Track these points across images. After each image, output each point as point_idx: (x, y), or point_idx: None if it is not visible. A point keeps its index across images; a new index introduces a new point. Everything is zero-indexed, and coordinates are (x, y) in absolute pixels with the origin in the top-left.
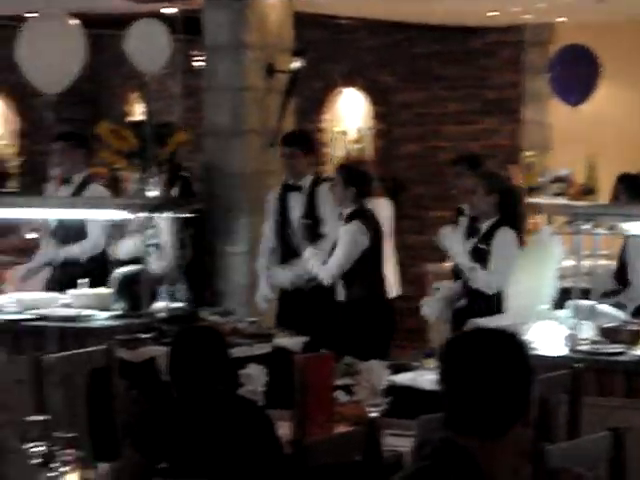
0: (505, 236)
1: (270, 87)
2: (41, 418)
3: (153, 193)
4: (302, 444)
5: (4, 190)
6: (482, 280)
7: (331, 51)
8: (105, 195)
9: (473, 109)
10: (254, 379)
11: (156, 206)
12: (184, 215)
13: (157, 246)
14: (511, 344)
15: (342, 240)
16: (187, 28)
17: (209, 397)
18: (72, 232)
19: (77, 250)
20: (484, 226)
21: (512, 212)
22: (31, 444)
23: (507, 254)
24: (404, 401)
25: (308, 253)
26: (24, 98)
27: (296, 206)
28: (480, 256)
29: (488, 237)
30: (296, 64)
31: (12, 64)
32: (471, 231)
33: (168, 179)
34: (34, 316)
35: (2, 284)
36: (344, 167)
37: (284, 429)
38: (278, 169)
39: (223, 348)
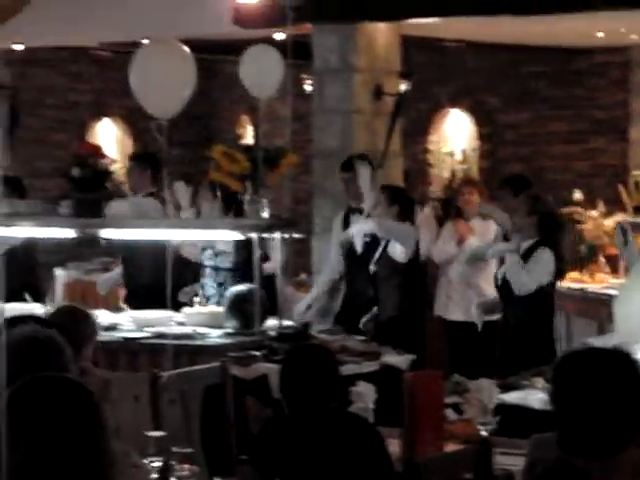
0: (543, 254)
1: (377, 109)
2: (158, 434)
3: (264, 214)
4: (414, 462)
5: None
6: (521, 281)
7: (437, 73)
8: (158, 209)
9: (580, 129)
10: (364, 396)
11: (267, 226)
12: (294, 235)
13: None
14: (624, 363)
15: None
16: (295, 52)
17: (321, 414)
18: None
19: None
20: (524, 245)
21: (552, 236)
22: (149, 459)
23: (540, 269)
24: (513, 420)
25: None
26: (137, 122)
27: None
28: None
29: (527, 257)
30: (403, 86)
31: (126, 89)
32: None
33: (223, 203)
34: (150, 334)
35: (118, 302)
36: (388, 187)
37: (393, 447)
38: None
39: (334, 366)
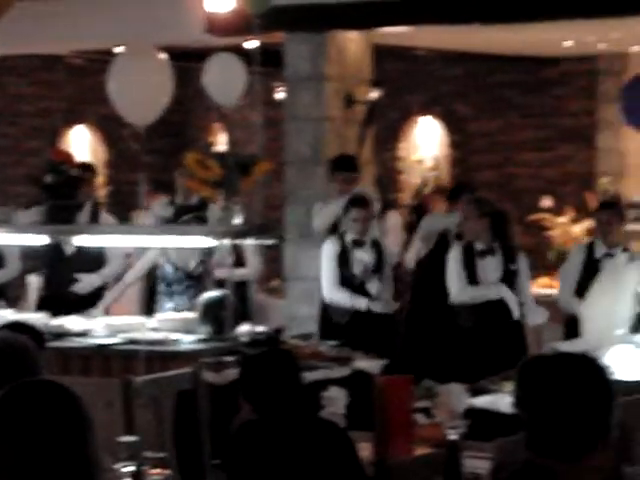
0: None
1: (349, 117)
2: (131, 439)
3: (237, 221)
4: (384, 465)
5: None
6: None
7: (408, 82)
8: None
9: (548, 137)
10: (335, 401)
11: (239, 233)
12: (266, 242)
13: None
14: (591, 368)
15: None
16: (267, 60)
17: (289, 419)
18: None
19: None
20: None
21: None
22: (122, 464)
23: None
24: (483, 424)
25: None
26: (112, 129)
27: None
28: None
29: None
30: (374, 95)
31: (100, 96)
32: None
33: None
34: (123, 340)
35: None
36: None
37: (364, 451)
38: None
39: (293, 370)
